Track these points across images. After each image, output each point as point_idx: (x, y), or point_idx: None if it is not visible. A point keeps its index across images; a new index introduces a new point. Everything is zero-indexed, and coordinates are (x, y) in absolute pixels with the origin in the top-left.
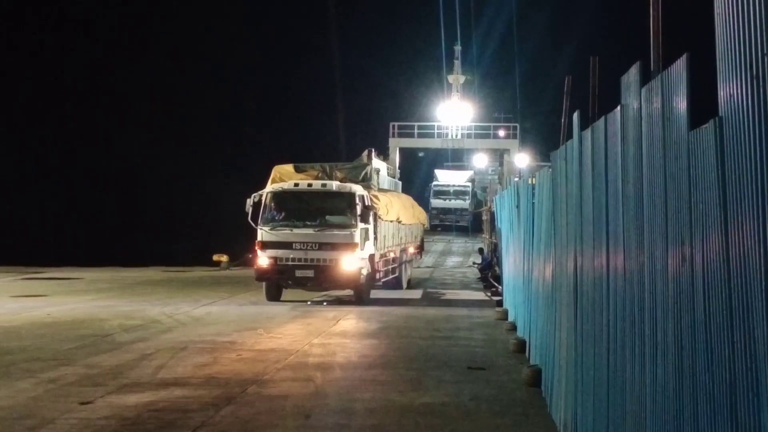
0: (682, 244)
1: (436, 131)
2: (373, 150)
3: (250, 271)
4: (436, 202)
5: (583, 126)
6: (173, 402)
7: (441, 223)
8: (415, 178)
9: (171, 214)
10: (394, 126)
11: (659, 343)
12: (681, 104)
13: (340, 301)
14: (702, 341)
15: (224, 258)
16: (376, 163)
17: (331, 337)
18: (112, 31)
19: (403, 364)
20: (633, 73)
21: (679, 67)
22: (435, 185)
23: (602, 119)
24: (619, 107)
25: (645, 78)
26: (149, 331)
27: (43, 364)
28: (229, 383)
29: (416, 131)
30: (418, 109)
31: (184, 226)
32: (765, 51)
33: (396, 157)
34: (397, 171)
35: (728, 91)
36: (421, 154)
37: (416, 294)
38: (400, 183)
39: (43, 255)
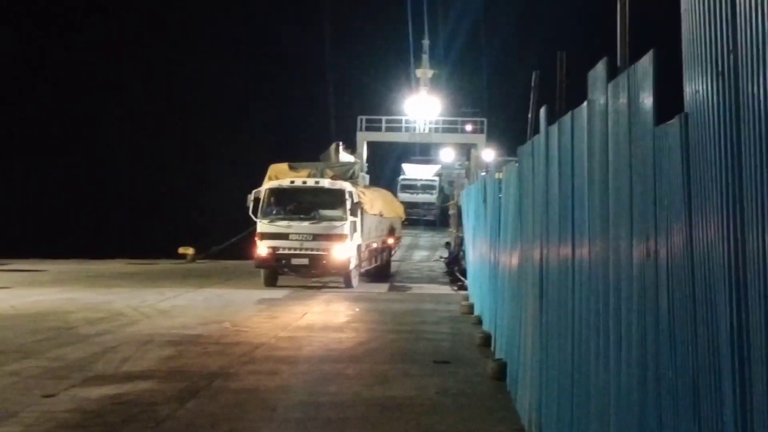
0: (646, 238)
1: (403, 125)
2: (340, 144)
3: (216, 264)
4: (403, 196)
5: (550, 121)
6: (138, 395)
7: (408, 217)
8: (382, 171)
9: (136, 206)
10: (362, 120)
11: (623, 336)
12: (647, 100)
13: (306, 295)
14: (665, 335)
15: (190, 251)
16: (344, 156)
17: (298, 330)
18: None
19: (369, 357)
20: (600, 69)
21: (646, 63)
22: (402, 179)
23: (569, 114)
24: (585, 103)
25: (612, 74)
26: (114, 323)
27: (5, 356)
28: (195, 376)
29: (384, 125)
30: (386, 103)
31: (149, 219)
32: (730, 48)
33: (364, 151)
34: (365, 165)
35: (694, 87)
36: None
37: (383, 288)
38: (368, 177)
39: (6, 247)
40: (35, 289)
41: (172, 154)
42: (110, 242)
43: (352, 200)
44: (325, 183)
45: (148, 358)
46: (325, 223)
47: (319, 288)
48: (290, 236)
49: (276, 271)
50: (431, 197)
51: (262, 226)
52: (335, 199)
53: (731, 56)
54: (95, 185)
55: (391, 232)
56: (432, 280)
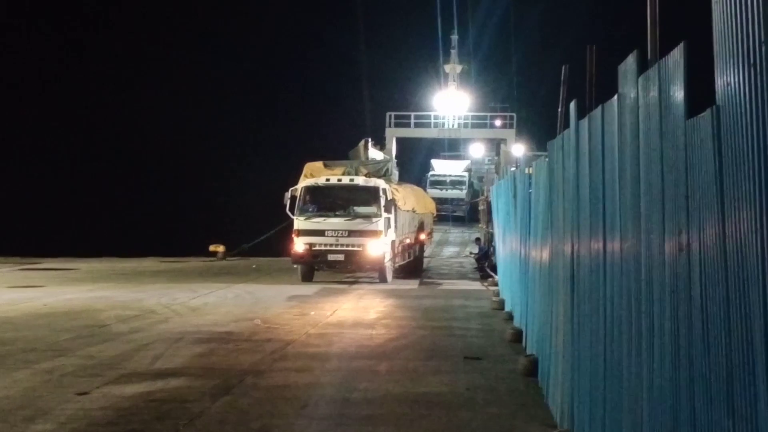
0: (679, 232)
1: (432, 121)
2: (369, 140)
3: (247, 261)
4: (432, 192)
5: (580, 115)
6: (170, 392)
7: (437, 213)
8: (411, 167)
9: (167, 204)
10: (390, 116)
11: (656, 331)
12: (678, 93)
13: (336, 291)
14: (699, 330)
15: (221, 248)
16: (373, 153)
17: (328, 327)
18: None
19: (400, 354)
20: (630, 62)
21: (677, 55)
22: (431, 175)
23: (599, 108)
24: (616, 96)
25: (642, 67)
26: (146, 321)
27: (39, 354)
28: (226, 373)
29: (413, 121)
30: (414, 99)
31: (180, 217)
32: (762, 39)
33: (393, 147)
34: (394, 161)
35: (725, 79)
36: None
37: (413, 284)
38: (397, 173)
39: (40, 245)
40: (67, 288)
41: (203, 152)
42: (141, 240)
43: (386, 197)
44: (360, 180)
45: (180, 355)
46: (360, 220)
47: (350, 284)
48: (326, 233)
49: (312, 266)
50: (461, 193)
51: (299, 223)
52: (370, 196)
53: (763, 47)
54: (127, 183)
55: (424, 227)
56: (462, 276)
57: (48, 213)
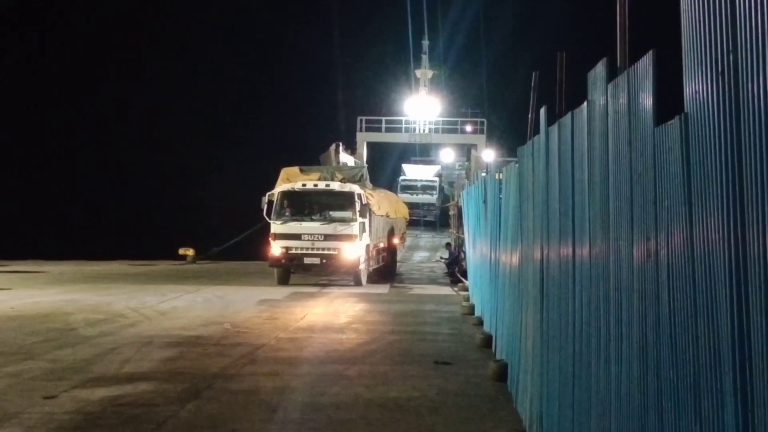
0: (647, 239)
1: (403, 126)
2: (340, 144)
3: (217, 264)
4: (403, 197)
5: (550, 122)
6: (138, 397)
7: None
8: (382, 172)
9: (136, 207)
10: (361, 120)
11: (624, 337)
12: (647, 100)
13: (307, 295)
14: (666, 336)
15: (190, 252)
16: (344, 157)
17: (298, 331)
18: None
19: (370, 358)
20: (599, 70)
21: (645, 63)
22: (402, 180)
23: (569, 115)
24: (585, 103)
25: (612, 74)
26: (114, 325)
27: (6, 358)
28: (195, 378)
29: (384, 126)
30: (385, 104)
31: (150, 220)
32: (730, 48)
33: (364, 152)
34: (365, 165)
35: (694, 87)
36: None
37: (383, 288)
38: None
39: (7, 248)
40: (35, 291)
41: (173, 155)
42: (110, 243)
43: (361, 202)
44: (335, 186)
45: (149, 359)
46: (335, 224)
47: (322, 286)
48: (302, 236)
49: (288, 269)
50: (431, 198)
51: (276, 227)
52: (345, 201)
53: (731, 56)
54: (96, 186)
55: (397, 232)
56: (432, 281)
57: (15, 215)
